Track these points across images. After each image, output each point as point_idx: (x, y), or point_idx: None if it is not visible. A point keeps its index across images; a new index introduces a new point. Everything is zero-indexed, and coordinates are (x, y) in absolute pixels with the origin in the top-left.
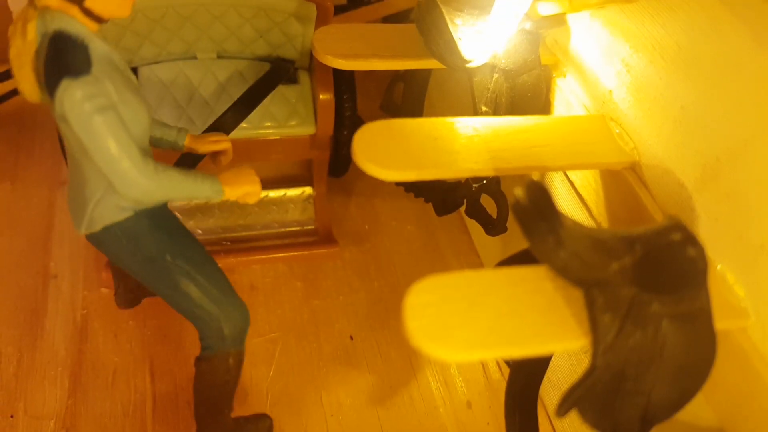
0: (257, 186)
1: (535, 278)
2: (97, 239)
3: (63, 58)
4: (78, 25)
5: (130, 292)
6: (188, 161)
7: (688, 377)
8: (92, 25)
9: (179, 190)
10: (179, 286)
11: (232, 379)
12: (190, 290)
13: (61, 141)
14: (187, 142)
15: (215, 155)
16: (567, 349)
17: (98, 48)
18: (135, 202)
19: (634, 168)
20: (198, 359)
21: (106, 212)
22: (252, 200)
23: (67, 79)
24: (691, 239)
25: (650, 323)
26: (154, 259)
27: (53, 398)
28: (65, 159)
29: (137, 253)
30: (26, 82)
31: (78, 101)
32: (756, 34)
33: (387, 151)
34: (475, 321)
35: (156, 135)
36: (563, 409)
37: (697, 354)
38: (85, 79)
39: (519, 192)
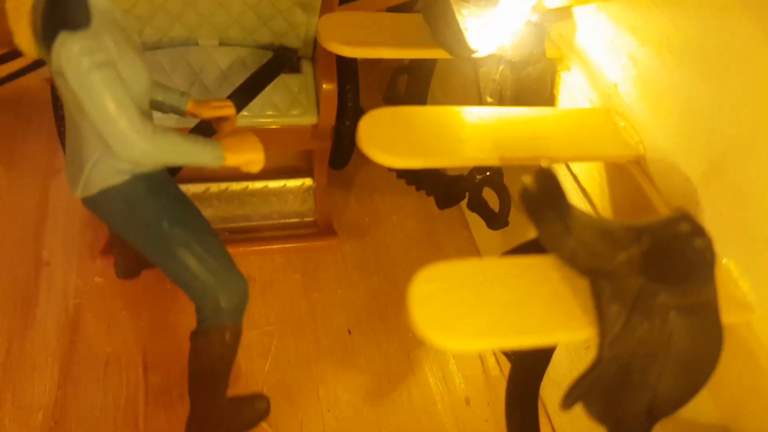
0: (261, 154)
1: (541, 268)
2: (93, 202)
3: (61, 11)
4: None
5: (129, 263)
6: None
7: (694, 370)
8: None
9: (178, 153)
10: (176, 255)
11: (228, 354)
12: (187, 259)
13: (57, 125)
14: (189, 106)
15: (218, 121)
16: (573, 339)
17: (99, 2)
18: (132, 164)
19: (639, 162)
20: (194, 333)
21: (103, 175)
22: (255, 169)
23: (64, 32)
24: (698, 231)
25: (657, 314)
26: (151, 226)
27: (42, 389)
28: (62, 145)
29: (134, 219)
30: (23, 37)
31: (75, 56)
32: (765, 25)
33: (392, 138)
34: (481, 310)
35: (158, 98)
36: (569, 401)
37: (703, 347)
38: (83, 33)
39: (527, 179)
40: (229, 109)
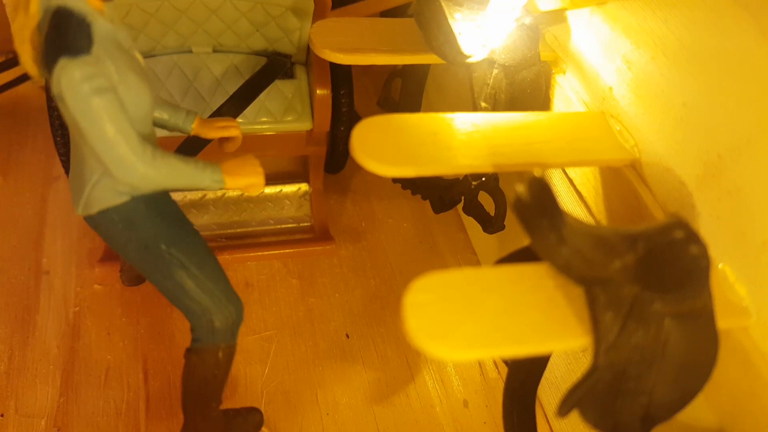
0: (261, 178)
1: (536, 276)
2: (93, 221)
3: (62, 35)
4: (81, 2)
5: (136, 269)
6: (192, 146)
7: (690, 377)
8: (97, 3)
9: (178, 178)
10: (173, 276)
11: (221, 373)
12: (184, 281)
13: (54, 134)
14: (195, 125)
15: (223, 141)
16: (568, 348)
17: (101, 27)
18: (131, 188)
19: (635, 165)
20: (188, 351)
21: (103, 195)
22: (254, 192)
23: (65, 58)
24: (693, 237)
25: (652, 322)
26: (149, 247)
27: (45, 396)
28: (58, 153)
29: (132, 239)
30: (26, 59)
31: (76, 82)
32: (761, 26)
33: (386, 146)
34: (476, 319)
35: (163, 117)
36: (564, 409)
37: (699, 353)
38: (84, 59)
39: (520, 188)
40: (234, 129)
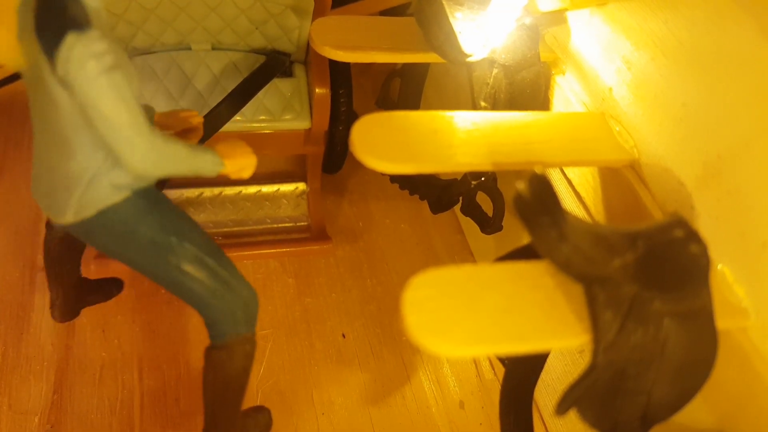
0: (253, 158)
1: (536, 274)
2: (86, 227)
3: (61, 12)
4: None
5: (69, 304)
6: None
7: (688, 376)
8: None
9: (183, 162)
10: (186, 271)
11: (249, 365)
12: (199, 274)
13: None
14: (156, 119)
15: (185, 132)
16: (567, 345)
17: (90, 3)
18: (136, 177)
19: (634, 166)
20: (211, 349)
21: (101, 194)
22: (247, 174)
23: (73, 34)
24: (693, 236)
25: (652, 321)
26: (157, 242)
27: (38, 394)
28: None
29: (135, 239)
30: (5, 44)
31: (88, 58)
32: (762, 26)
33: (386, 143)
34: (475, 316)
35: None
36: (563, 407)
37: (698, 353)
38: (90, 34)
39: (521, 185)
40: (197, 119)
